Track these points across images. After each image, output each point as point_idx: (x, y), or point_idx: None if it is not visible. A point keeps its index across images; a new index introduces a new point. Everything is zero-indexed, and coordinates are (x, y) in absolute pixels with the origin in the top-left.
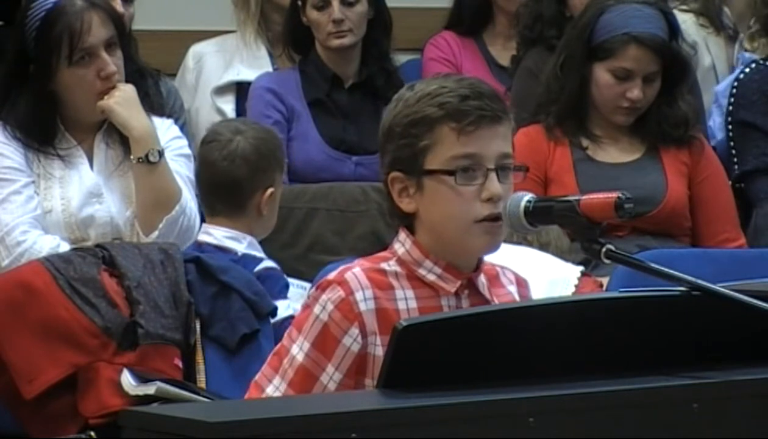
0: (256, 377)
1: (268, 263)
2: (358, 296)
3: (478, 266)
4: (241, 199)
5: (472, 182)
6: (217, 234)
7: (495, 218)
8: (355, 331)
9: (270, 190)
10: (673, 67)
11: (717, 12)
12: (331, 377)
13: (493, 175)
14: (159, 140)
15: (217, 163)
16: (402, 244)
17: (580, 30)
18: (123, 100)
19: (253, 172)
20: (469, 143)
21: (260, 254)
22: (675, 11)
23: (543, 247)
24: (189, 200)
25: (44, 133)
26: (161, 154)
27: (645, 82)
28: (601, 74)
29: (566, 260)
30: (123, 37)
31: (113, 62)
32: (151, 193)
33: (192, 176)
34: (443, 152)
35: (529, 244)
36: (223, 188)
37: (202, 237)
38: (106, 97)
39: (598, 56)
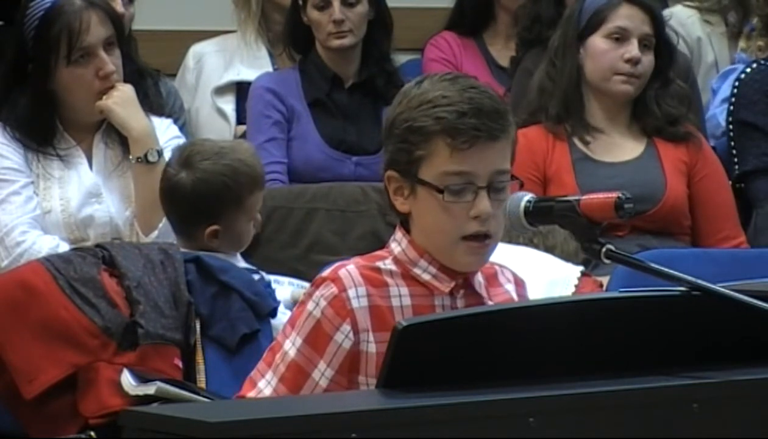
0: (252, 373)
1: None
2: (351, 293)
3: None
4: (185, 228)
5: (461, 200)
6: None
7: (483, 236)
8: (346, 327)
9: (213, 228)
10: (662, 46)
11: (723, 9)
12: (323, 373)
13: (483, 194)
14: (158, 140)
15: (163, 191)
16: (398, 243)
17: (567, 19)
18: (122, 100)
19: (190, 209)
20: (462, 161)
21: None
22: (680, 6)
23: (549, 250)
24: None
25: (43, 133)
26: (160, 153)
27: (641, 48)
28: (597, 43)
29: (573, 263)
30: (122, 36)
31: (112, 62)
32: (151, 192)
33: None
34: (436, 166)
35: (535, 247)
36: (168, 214)
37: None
38: (104, 97)
39: (590, 30)
